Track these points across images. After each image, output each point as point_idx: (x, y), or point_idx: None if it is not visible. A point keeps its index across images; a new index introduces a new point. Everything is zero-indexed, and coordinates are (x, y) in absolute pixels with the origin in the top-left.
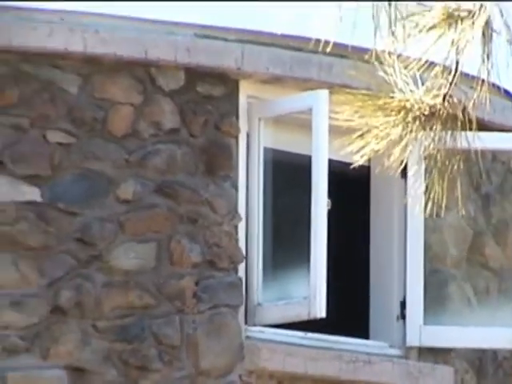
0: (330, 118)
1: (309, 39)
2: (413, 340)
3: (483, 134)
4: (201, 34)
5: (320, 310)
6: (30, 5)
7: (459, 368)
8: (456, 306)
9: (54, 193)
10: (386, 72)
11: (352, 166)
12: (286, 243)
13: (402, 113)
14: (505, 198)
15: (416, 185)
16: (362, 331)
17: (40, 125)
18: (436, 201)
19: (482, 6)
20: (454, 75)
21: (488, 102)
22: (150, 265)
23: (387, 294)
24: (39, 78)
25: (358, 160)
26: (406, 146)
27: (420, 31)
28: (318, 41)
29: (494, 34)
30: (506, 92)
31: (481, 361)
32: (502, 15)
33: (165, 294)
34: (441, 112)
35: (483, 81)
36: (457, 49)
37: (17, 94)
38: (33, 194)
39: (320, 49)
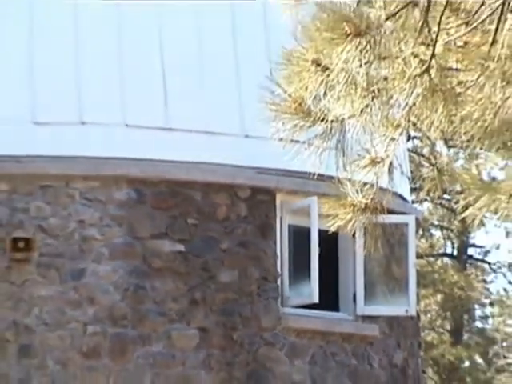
0: (318, 209)
1: (307, 172)
2: (359, 312)
3: (390, 216)
4: (258, 171)
5: (315, 299)
6: (181, 157)
7: (382, 325)
8: (380, 297)
9: (189, 247)
10: (343, 188)
11: (329, 232)
12: (299, 268)
13: (352, 207)
14: (401, 245)
15: (359, 240)
16: (336, 308)
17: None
18: (369, 247)
19: (387, 155)
20: (376, 188)
21: (392, 200)
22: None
23: (347, 291)
24: (182, 193)
25: (332, 229)
26: (354, 222)
27: (360, 168)
28: (310, 173)
29: (394, 169)
30: (400, 196)
31: (392, 321)
32: (397, 159)
33: (245, 293)
34: (370, 206)
35: (389, 190)
36: (377, 176)
37: (174, 201)
38: (180, 247)
39: (312, 176)
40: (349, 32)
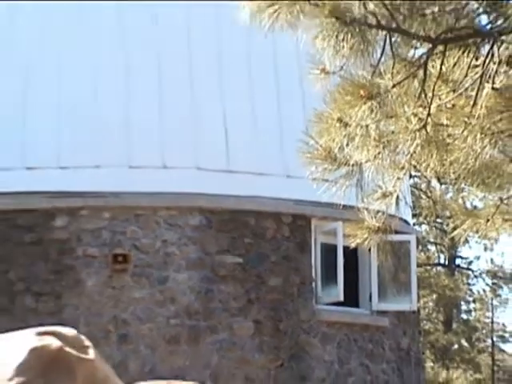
0: (343, 231)
1: (334, 203)
2: (374, 308)
3: (396, 235)
4: (297, 203)
5: (341, 298)
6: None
7: (391, 318)
8: (389, 296)
9: (246, 260)
10: (361, 214)
11: (351, 248)
12: (329, 275)
13: (368, 229)
14: (405, 257)
15: (374, 254)
16: (356, 305)
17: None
18: (381, 259)
19: (394, 190)
20: (386, 215)
21: (398, 223)
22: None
23: (365, 292)
24: (240, 219)
25: (352, 245)
26: (370, 240)
27: (374, 200)
28: (336, 204)
29: (399, 200)
30: (404, 220)
31: (399, 314)
32: (402, 193)
33: (288, 294)
34: (381, 228)
35: (396, 216)
36: (386, 206)
37: (234, 226)
38: (239, 260)
39: (338, 206)
40: (363, 96)
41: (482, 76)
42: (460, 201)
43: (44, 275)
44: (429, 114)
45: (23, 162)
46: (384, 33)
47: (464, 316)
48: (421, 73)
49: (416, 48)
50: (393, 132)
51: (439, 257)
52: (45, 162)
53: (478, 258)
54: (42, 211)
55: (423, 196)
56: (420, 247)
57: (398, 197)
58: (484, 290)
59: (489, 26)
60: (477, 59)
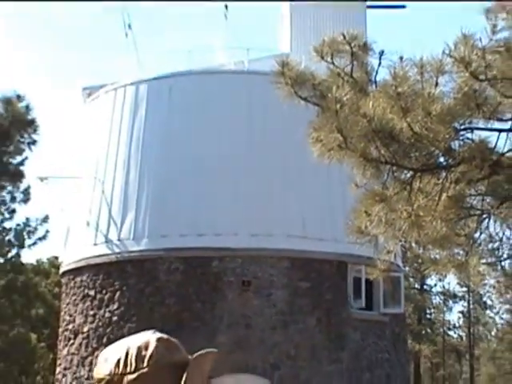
0: (365, 270)
1: (361, 255)
2: (381, 311)
3: (393, 273)
4: (340, 255)
5: (363, 305)
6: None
7: (390, 317)
8: (389, 304)
9: (313, 285)
10: (376, 262)
11: (370, 280)
12: (357, 294)
13: (379, 269)
14: (397, 285)
15: (381, 283)
16: (371, 309)
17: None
18: (385, 286)
19: (393, 249)
20: (388, 262)
21: (394, 266)
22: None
23: (376, 302)
24: (310, 264)
25: (371, 278)
26: (380, 276)
27: (383, 254)
28: (362, 256)
29: (396, 256)
30: (397, 264)
31: (394, 315)
32: (397, 250)
33: (336, 304)
34: (386, 269)
35: (393, 262)
36: (389, 257)
37: (308, 267)
38: (309, 284)
39: (364, 257)
40: (378, 200)
41: (441, 189)
42: (427, 254)
43: (206, 292)
44: (412, 210)
45: (195, 230)
46: (388, 166)
47: (428, 316)
48: (408, 187)
49: (406, 173)
50: (393, 219)
51: (415, 284)
52: (207, 231)
53: (435, 285)
54: (209, 258)
55: (408, 252)
56: (405, 279)
57: (395, 253)
58: (439, 302)
59: (445, 163)
60: (438, 179)
